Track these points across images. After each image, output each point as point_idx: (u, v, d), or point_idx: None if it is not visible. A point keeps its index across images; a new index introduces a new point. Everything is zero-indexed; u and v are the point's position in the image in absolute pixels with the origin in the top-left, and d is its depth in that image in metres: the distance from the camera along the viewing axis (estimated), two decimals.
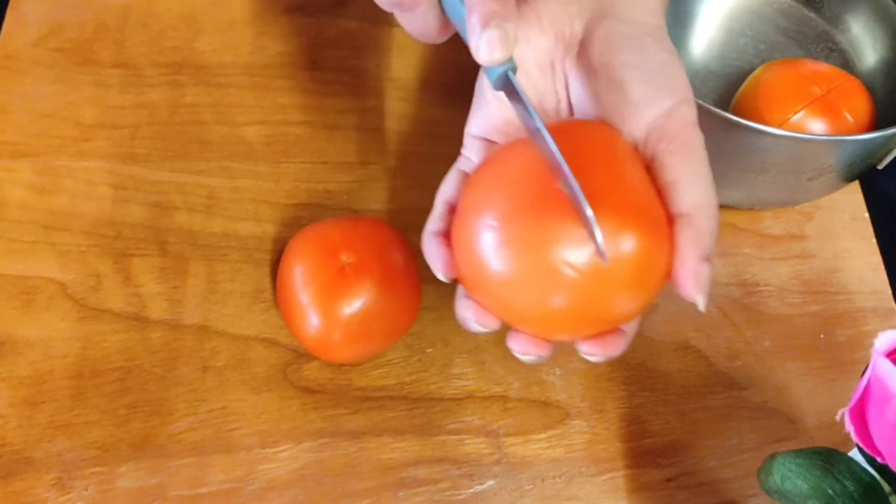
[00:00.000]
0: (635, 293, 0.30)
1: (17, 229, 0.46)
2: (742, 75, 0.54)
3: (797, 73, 0.51)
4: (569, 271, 0.28)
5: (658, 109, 0.32)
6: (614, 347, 0.32)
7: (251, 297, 0.46)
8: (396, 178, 0.51)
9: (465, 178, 0.35)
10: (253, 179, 0.50)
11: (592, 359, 0.31)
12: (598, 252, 0.28)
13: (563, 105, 0.36)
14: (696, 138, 0.32)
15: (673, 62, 0.33)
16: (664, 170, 0.31)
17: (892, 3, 0.53)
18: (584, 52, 0.34)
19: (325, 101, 0.53)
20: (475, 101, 0.36)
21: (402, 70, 0.55)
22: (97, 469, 0.41)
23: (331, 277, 0.41)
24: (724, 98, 0.54)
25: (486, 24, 0.29)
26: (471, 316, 0.32)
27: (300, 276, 0.42)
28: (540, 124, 0.29)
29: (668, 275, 0.30)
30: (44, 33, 0.53)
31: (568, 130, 0.32)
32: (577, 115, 0.35)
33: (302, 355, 0.45)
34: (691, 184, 0.31)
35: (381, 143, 0.52)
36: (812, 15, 0.58)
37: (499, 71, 0.30)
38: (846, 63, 0.56)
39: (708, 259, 0.30)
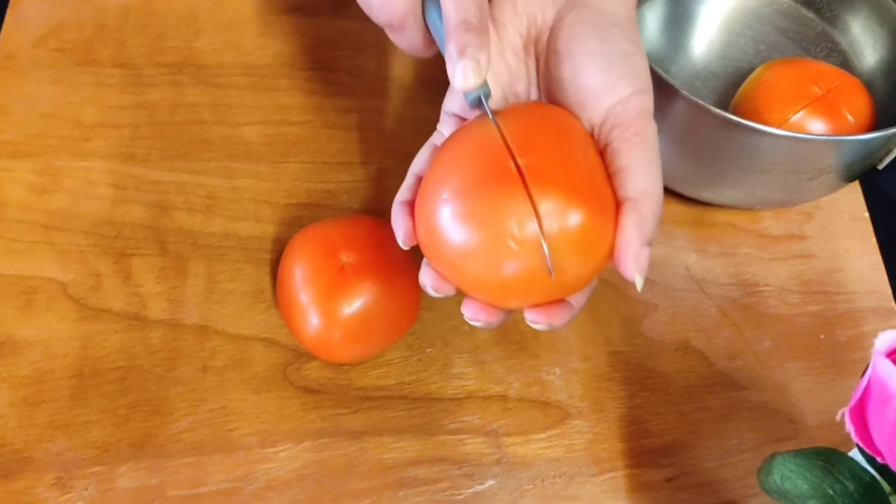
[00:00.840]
0: (579, 264, 0.31)
1: (17, 229, 0.46)
2: (742, 75, 0.54)
3: (797, 73, 0.51)
4: (514, 244, 0.30)
5: (615, 97, 0.33)
6: (559, 318, 0.33)
7: (251, 297, 0.46)
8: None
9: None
10: (253, 179, 0.50)
11: (537, 326, 0.33)
12: (544, 257, 0.30)
13: (533, 88, 0.37)
14: (650, 128, 0.33)
15: (635, 52, 0.34)
16: (616, 156, 0.32)
17: (893, 3, 0.53)
18: (552, 38, 0.35)
19: (325, 101, 0.53)
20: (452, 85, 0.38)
21: (402, 70, 0.55)
22: (97, 469, 0.41)
23: (331, 277, 0.41)
24: (724, 98, 0.54)
25: (462, 54, 0.32)
26: (429, 282, 0.33)
27: (300, 276, 0.42)
28: (505, 142, 0.31)
29: (613, 250, 0.32)
30: (44, 33, 0.53)
31: (527, 112, 0.34)
32: (545, 98, 0.37)
33: (302, 355, 0.45)
34: (640, 171, 0.32)
35: (381, 143, 0.52)
36: (812, 15, 0.58)
37: (472, 95, 0.33)
38: (846, 63, 0.56)
39: (649, 243, 0.32)
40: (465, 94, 0.33)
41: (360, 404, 0.44)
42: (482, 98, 0.33)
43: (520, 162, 0.30)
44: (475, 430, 0.44)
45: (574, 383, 0.46)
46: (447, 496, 0.42)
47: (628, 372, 0.47)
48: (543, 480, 0.43)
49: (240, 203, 0.49)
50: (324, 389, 0.44)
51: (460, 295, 0.47)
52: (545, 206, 0.30)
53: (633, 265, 0.31)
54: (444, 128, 0.37)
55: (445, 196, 0.31)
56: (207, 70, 0.53)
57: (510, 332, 0.47)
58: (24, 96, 0.51)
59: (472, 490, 0.42)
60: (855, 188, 0.55)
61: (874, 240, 0.54)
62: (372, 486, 0.42)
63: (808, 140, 0.45)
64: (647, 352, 0.47)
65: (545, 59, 0.36)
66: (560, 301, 0.33)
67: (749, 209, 0.53)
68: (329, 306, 0.41)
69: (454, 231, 0.31)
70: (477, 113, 0.34)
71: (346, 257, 0.41)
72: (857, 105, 0.49)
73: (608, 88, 0.33)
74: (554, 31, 0.35)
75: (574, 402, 0.45)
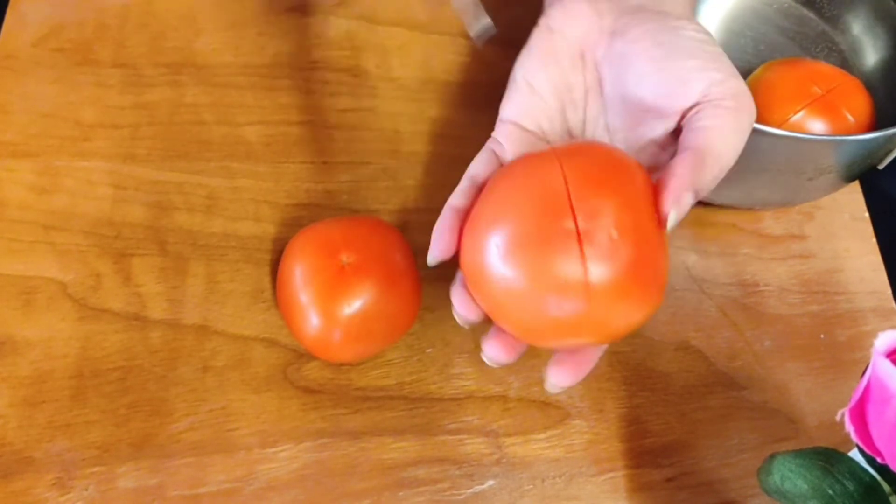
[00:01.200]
0: (619, 327, 0.31)
1: (17, 229, 0.46)
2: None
3: (797, 73, 0.51)
4: (564, 310, 0.30)
5: (708, 81, 0.32)
6: (581, 373, 0.33)
7: (251, 297, 0.46)
8: (396, 178, 0.51)
9: (495, 158, 0.36)
10: (253, 179, 0.50)
11: (554, 389, 0.33)
12: None
13: (593, 95, 0.37)
14: (750, 106, 0.32)
15: (712, 42, 0.34)
16: (701, 116, 0.32)
17: (893, 4, 0.53)
18: (619, 40, 0.35)
19: (325, 101, 0.53)
20: (508, 87, 0.38)
21: (402, 70, 0.55)
22: (97, 469, 0.41)
23: (331, 277, 0.41)
24: None
25: None
26: (462, 311, 0.34)
27: (300, 276, 0.42)
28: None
29: (652, 305, 0.31)
30: (44, 33, 0.53)
31: (589, 154, 0.33)
32: (610, 100, 0.36)
33: (302, 355, 0.45)
34: (721, 132, 0.31)
35: (381, 143, 0.52)
36: (812, 15, 0.58)
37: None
38: (846, 63, 0.56)
39: (696, 193, 0.30)
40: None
41: (360, 404, 0.44)
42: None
43: (580, 224, 0.30)
44: (475, 430, 0.44)
45: None
46: (447, 496, 0.42)
47: (628, 372, 0.47)
48: (543, 481, 0.43)
49: (240, 203, 0.49)
50: (324, 389, 0.44)
51: None
52: (595, 272, 0.29)
53: (672, 199, 0.30)
54: (501, 135, 0.37)
55: (498, 241, 0.31)
56: (207, 70, 0.53)
57: None
58: (24, 96, 0.51)
59: (472, 490, 0.42)
60: (855, 188, 0.55)
61: (874, 240, 0.54)
62: (372, 487, 0.42)
63: (808, 140, 0.45)
64: (647, 352, 0.47)
65: (609, 64, 0.35)
66: (584, 359, 0.33)
67: (749, 209, 0.53)
68: (329, 306, 0.41)
69: (504, 279, 0.31)
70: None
71: (346, 257, 0.41)
72: (857, 105, 0.49)
73: (699, 75, 0.32)
74: (617, 34, 0.35)
75: (574, 402, 0.45)
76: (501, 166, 0.36)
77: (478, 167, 0.36)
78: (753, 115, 0.33)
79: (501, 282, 0.31)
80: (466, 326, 0.34)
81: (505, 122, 0.37)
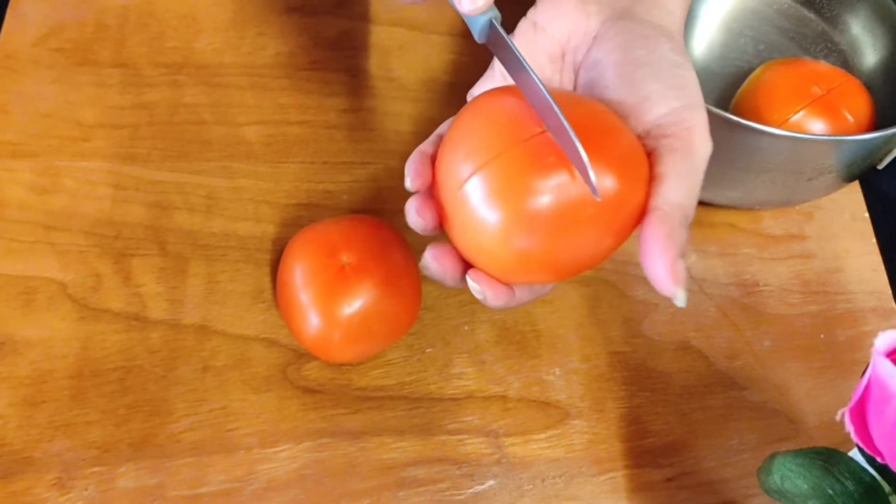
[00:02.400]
0: (605, 238, 0.29)
1: (17, 229, 0.46)
2: (742, 75, 0.54)
3: (797, 73, 0.51)
4: (542, 217, 0.28)
5: (665, 108, 0.31)
6: (497, 296, 0.31)
7: (251, 297, 0.46)
8: (396, 178, 0.51)
9: None
10: (253, 179, 0.50)
11: (473, 287, 0.31)
12: (591, 188, 0.28)
13: None
14: (701, 145, 0.31)
15: (684, 64, 0.33)
16: (658, 161, 0.31)
17: (892, 3, 0.53)
18: (597, 47, 0.34)
19: (325, 101, 0.53)
20: (486, 72, 0.37)
21: (402, 70, 0.55)
22: (97, 469, 0.41)
23: (331, 277, 0.41)
24: (724, 98, 0.54)
25: None
26: (432, 259, 0.31)
27: (300, 276, 0.42)
28: (528, 66, 0.29)
29: (636, 223, 0.30)
30: (44, 33, 0.53)
31: (563, 92, 0.32)
32: None
33: (302, 355, 0.45)
34: (677, 182, 0.30)
35: (381, 143, 0.52)
36: (812, 15, 0.58)
37: (482, 20, 0.31)
38: (846, 63, 0.56)
39: (683, 255, 0.29)
40: (472, 24, 0.31)
41: (360, 404, 0.44)
42: (493, 23, 0.30)
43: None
44: (475, 430, 0.44)
45: (574, 383, 0.46)
46: (447, 496, 0.42)
47: (628, 372, 0.47)
48: (543, 481, 0.43)
49: (240, 203, 0.49)
50: (324, 389, 0.44)
51: (461, 296, 0.47)
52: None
53: (673, 279, 0.29)
54: None
55: (468, 162, 0.29)
56: (207, 70, 0.53)
57: (510, 332, 0.47)
58: (24, 96, 0.51)
59: (472, 490, 0.42)
60: (855, 188, 0.55)
61: (874, 240, 0.54)
62: (372, 487, 0.42)
63: (808, 140, 0.45)
64: (647, 352, 0.47)
65: (586, 68, 0.35)
66: (505, 284, 0.31)
67: (749, 209, 0.53)
68: (329, 306, 0.41)
69: (477, 201, 0.29)
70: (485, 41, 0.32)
71: (346, 257, 0.41)
72: (857, 105, 0.49)
73: (658, 99, 0.32)
74: (598, 40, 0.34)
75: (574, 402, 0.45)
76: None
77: (446, 127, 0.35)
78: (706, 151, 0.31)
79: (471, 199, 0.29)
80: (443, 280, 0.32)
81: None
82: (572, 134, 0.27)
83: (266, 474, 0.42)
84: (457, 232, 0.31)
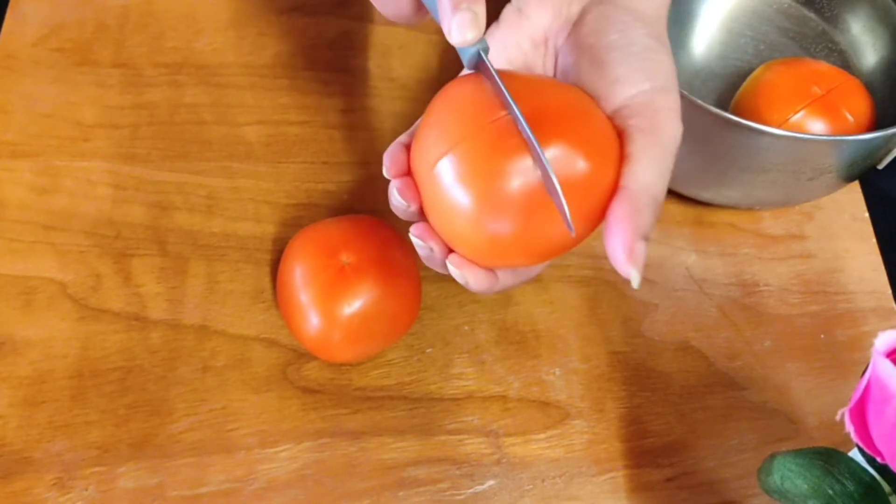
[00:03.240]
0: (576, 220, 0.29)
1: (17, 229, 0.46)
2: (742, 75, 0.54)
3: (797, 73, 0.51)
4: (509, 199, 0.28)
5: (633, 90, 0.32)
6: (478, 281, 0.32)
7: (251, 297, 0.46)
8: None
9: None
10: (253, 179, 0.50)
11: (454, 272, 0.32)
12: (567, 226, 0.28)
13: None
14: (670, 126, 0.32)
15: (658, 48, 0.34)
16: (627, 142, 0.31)
17: (892, 3, 0.53)
18: (575, 32, 0.35)
19: (325, 101, 0.53)
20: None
21: (402, 70, 0.55)
22: (97, 469, 0.41)
23: (331, 277, 0.41)
24: (724, 98, 0.54)
25: (456, 8, 0.30)
26: (417, 238, 0.32)
27: (300, 276, 0.42)
28: (509, 99, 0.30)
29: (608, 205, 0.30)
30: (44, 33, 0.53)
31: (534, 77, 0.33)
32: None
33: (302, 355, 0.45)
34: (646, 163, 0.30)
35: (381, 143, 0.52)
36: (812, 15, 0.58)
37: (471, 51, 0.31)
38: (846, 63, 0.56)
39: (646, 238, 0.29)
40: (462, 53, 0.32)
41: (360, 404, 0.44)
42: (481, 54, 0.31)
43: (520, 110, 0.28)
44: (475, 430, 0.44)
45: (574, 383, 0.46)
46: (447, 496, 0.42)
47: (628, 372, 0.47)
48: (543, 481, 0.43)
49: (240, 203, 0.49)
50: (324, 390, 0.44)
51: (460, 296, 0.47)
52: (550, 153, 0.28)
53: (627, 258, 0.29)
54: None
55: (438, 147, 0.30)
56: (207, 70, 0.53)
57: (510, 332, 0.47)
58: (24, 96, 0.51)
59: (472, 490, 0.42)
60: (855, 188, 0.55)
61: (874, 240, 0.54)
62: (372, 487, 0.42)
63: (808, 140, 0.45)
64: (647, 352, 0.47)
65: (563, 53, 0.35)
66: (486, 268, 0.32)
67: (749, 209, 0.53)
68: (329, 306, 0.41)
69: (448, 185, 0.29)
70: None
71: (346, 257, 0.41)
72: (857, 105, 0.49)
73: (626, 81, 0.32)
74: (577, 25, 0.35)
75: (574, 402, 0.45)
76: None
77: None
78: (676, 132, 0.32)
79: (441, 180, 0.29)
80: (431, 262, 0.33)
81: None
82: (552, 173, 0.28)
83: (266, 474, 0.42)
84: (433, 217, 0.31)
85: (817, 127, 0.48)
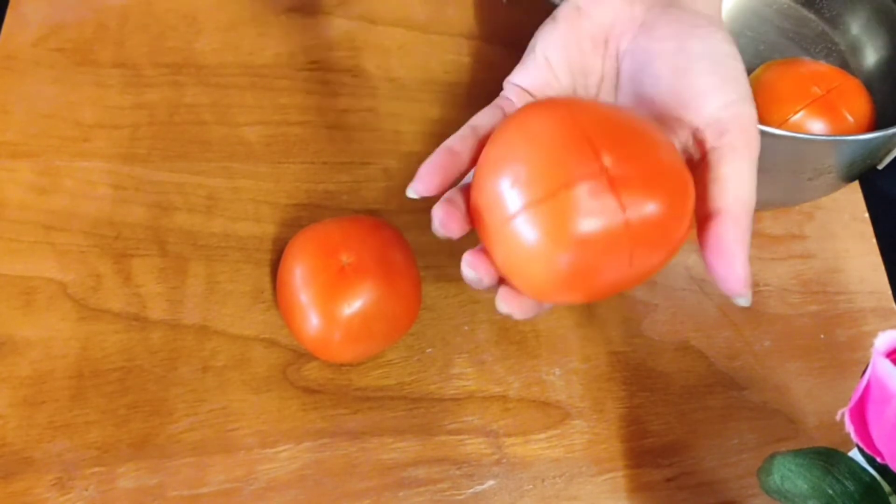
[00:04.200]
0: (651, 259, 0.29)
1: (17, 229, 0.46)
2: None
3: (797, 73, 0.51)
4: (588, 262, 0.28)
5: (721, 101, 0.32)
6: (526, 311, 0.31)
7: (251, 297, 0.46)
8: (396, 178, 0.51)
9: (501, 114, 0.34)
10: (253, 179, 0.50)
11: (505, 311, 0.31)
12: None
13: (608, 83, 0.36)
14: (757, 141, 0.32)
15: (736, 55, 0.33)
16: (721, 162, 0.31)
17: (892, 4, 0.53)
18: (645, 35, 0.34)
19: (325, 101, 0.53)
20: (525, 56, 0.36)
21: (402, 70, 0.55)
22: (97, 469, 0.41)
23: (331, 277, 0.41)
24: None
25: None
26: (467, 266, 0.31)
27: (300, 276, 0.42)
28: None
29: (681, 242, 0.30)
30: (44, 33, 0.53)
31: (597, 104, 0.32)
32: (623, 95, 0.35)
33: (302, 355, 0.45)
34: (743, 181, 0.31)
35: (381, 143, 0.52)
36: (812, 15, 0.58)
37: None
38: (846, 63, 0.56)
39: (749, 255, 0.30)
40: None
41: (360, 405, 0.44)
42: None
43: (609, 167, 0.28)
44: (475, 430, 0.44)
45: (574, 383, 0.46)
46: (447, 496, 0.42)
47: (628, 372, 0.47)
48: (543, 481, 0.43)
49: (240, 203, 0.49)
50: (324, 390, 0.44)
51: (461, 296, 0.47)
52: (628, 190, 0.27)
53: (742, 282, 0.29)
54: (511, 94, 0.35)
55: (513, 184, 0.28)
56: (207, 70, 0.53)
57: (510, 332, 0.47)
58: (24, 96, 0.51)
59: (472, 490, 0.42)
60: (855, 188, 0.55)
61: (874, 240, 0.54)
62: (372, 487, 0.42)
63: (808, 140, 0.45)
64: (647, 352, 0.47)
65: (631, 57, 0.34)
66: (534, 301, 0.31)
67: None
68: (329, 306, 0.41)
69: (528, 240, 0.28)
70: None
71: (346, 257, 0.41)
72: (857, 105, 0.49)
73: (716, 92, 0.32)
74: (645, 28, 0.34)
75: (574, 402, 0.45)
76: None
77: (482, 119, 0.34)
78: (758, 151, 0.32)
79: (521, 233, 0.28)
80: (478, 287, 0.31)
81: (515, 86, 0.36)
82: None
83: (266, 474, 0.42)
84: (499, 257, 0.30)
85: (817, 127, 0.48)
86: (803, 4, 0.58)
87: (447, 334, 0.46)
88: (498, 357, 0.46)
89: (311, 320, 0.41)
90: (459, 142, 0.32)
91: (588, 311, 0.48)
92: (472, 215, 0.31)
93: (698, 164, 0.32)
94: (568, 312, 0.48)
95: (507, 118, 0.32)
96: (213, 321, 0.45)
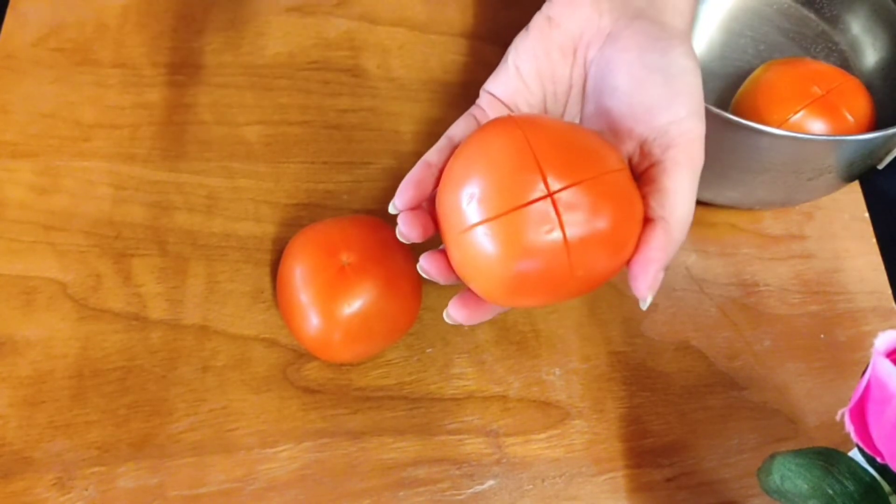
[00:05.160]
0: (598, 268, 0.32)
1: (17, 229, 0.46)
2: (742, 75, 0.54)
3: (797, 73, 0.51)
4: (535, 273, 0.31)
5: (670, 116, 0.33)
6: (478, 317, 0.34)
7: (251, 297, 0.46)
8: (396, 178, 0.51)
9: (475, 123, 0.37)
10: (253, 179, 0.50)
11: (453, 320, 0.34)
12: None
13: (576, 92, 0.37)
14: (700, 157, 0.33)
15: (694, 70, 0.34)
16: (663, 175, 0.32)
17: (892, 3, 0.53)
18: (610, 45, 0.35)
19: (325, 101, 0.53)
20: (499, 65, 0.38)
21: (402, 70, 0.55)
22: (97, 469, 0.41)
23: (331, 277, 0.41)
24: (724, 98, 0.54)
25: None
26: (427, 265, 0.34)
27: (300, 276, 0.42)
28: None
29: (627, 254, 0.32)
30: (44, 33, 0.53)
31: (553, 121, 0.34)
32: (588, 103, 0.36)
33: (302, 355, 0.45)
34: (682, 196, 0.32)
35: (381, 143, 0.52)
36: (812, 15, 0.58)
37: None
38: (846, 63, 0.56)
39: (666, 268, 0.32)
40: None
41: (360, 404, 0.44)
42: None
43: (551, 184, 0.30)
44: (475, 430, 0.44)
45: (574, 383, 0.46)
46: (447, 496, 0.42)
47: (628, 372, 0.47)
48: (543, 481, 0.43)
49: (240, 203, 0.49)
50: (324, 390, 0.44)
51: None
52: (570, 211, 0.30)
53: (649, 285, 0.31)
54: (483, 103, 0.37)
55: (471, 191, 0.31)
56: (207, 70, 0.53)
57: (510, 332, 0.47)
58: (24, 96, 0.51)
59: (472, 490, 0.42)
60: (855, 188, 0.55)
61: (874, 240, 0.54)
62: (372, 487, 0.42)
63: (808, 140, 0.45)
64: (647, 352, 0.47)
65: (596, 66, 0.35)
66: (482, 302, 0.34)
67: (749, 209, 0.53)
68: (329, 306, 0.41)
69: (481, 251, 0.31)
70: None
71: (346, 257, 0.41)
72: (857, 105, 0.49)
73: (666, 106, 0.33)
74: (611, 38, 0.35)
75: (574, 402, 0.45)
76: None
77: (458, 129, 0.36)
78: (701, 165, 0.34)
79: (474, 244, 0.31)
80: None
81: (489, 94, 0.37)
82: None
83: (266, 474, 0.42)
84: (455, 261, 0.33)
85: (817, 127, 0.48)
86: (803, 4, 0.58)
87: (447, 334, 0.46)
88: (498, 357, 0.46)
89: (311, 320, 0.41)
90: (437, 154, 0.35)
91: (588, 311, 0.48)
92: (435, 220, 0.34)
93: (643, 175, 0.33)
94: (568, 312, 0.48)
95: (469, 136, 0.34)
96: (213, 321, 0.45)
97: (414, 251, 0.44)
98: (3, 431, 0.41)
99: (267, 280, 0.47)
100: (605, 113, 0.35)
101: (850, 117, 0.48)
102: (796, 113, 0.49)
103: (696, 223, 0.52)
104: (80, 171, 0.49)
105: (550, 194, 0.30)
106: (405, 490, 0.42)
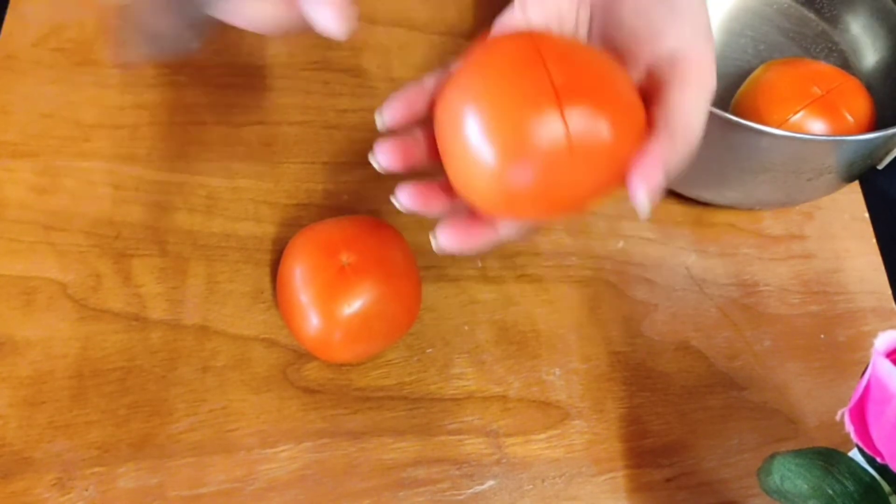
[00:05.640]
0: (595, 176, 0.31)
1: (17, 229, 0.46)
2: (742, 75, 0.54)
3: (797, 73, 0.51)
4: (536, 153, 0.29)
5: (676, 39, 0.32)
6: (475, 241, 0.32)
7: (251, 297, 0.46)
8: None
9: None
10: (253, 179, 0.50)
11: (443, 249, 0.32)
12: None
13: (582, 31, 0.37)
14: (710, 78, 0.32)
15: (700, 3, 0.34)
16: (670, 89, 0.32)
17: (892, 4, 0.53)
18: None
19: (325, 101, 0.53)
20: (506, 9, 0.37)
21: (402, 70, 0.55)
22: (97, 469, 0.41)
23: (331, 277, 0.41)
24: (724, 98, 0.54)
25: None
26: (408, 197, 0.33)
27: (300, 276, 0.42)
28: None
29: (621, 180, 0.31)
30: (44, 33, 0.53)
31: (565, 39, 0.34)
32: (595, 40, 0.36)
33: (302, 355, 0.45)
34: (688, 108, 0.31)
35: None
36: (812, 15, 0.58)
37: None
38: (846, 63, 0.56)
39: (668, 175, 0.30)
40: None
41: (360, 405, 0.44)
42: None
43: (552, 70, 0.29)
44: (475, 430, 0.44)
45: (574, 383, 0.46)
46: (447, 496, 0.42)
47: (628, 372, 0.47)
48: (543, 481, 0.43)
49: (240, 203, 0.49)
50: (324, 390, 0.44)
51: (461, 296, 0.47)
52: (571, 117, 0.29)
53: (645, 186, 0.30)
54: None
55: (474, 108, 0.30)
56: (207, 70, 0.53)
57: (510, 332, 0.47)
58: (24, 96, 0.51)
59: (472, 490, 0.42)
60: (855, 188, 0.55)
61: (874, 240, 0.54)
62: (372, 487, 0.42)
63: (808, 140, 0.45)
64: (647, 352, 0.47)
65: (602, 5, 0.35)
66: (482, 223, 0.32)
67: (749, 209, 0.53)
68: (329, 306, 0.41)
69: (473, 134, 0.30)
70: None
71: (346, 257, 0.41)
72: (857, 105, 0.49)
73: (672, 29, 0.33)
74: None
75: (574, 402, 0.45)
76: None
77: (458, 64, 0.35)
78: (713, 85, 0.33)
79: (477, 144, 0.30)
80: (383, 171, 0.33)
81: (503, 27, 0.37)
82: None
83: (266, 474, 0.42)
84: (455, 168, 0.32)
85: (817, 127, 0.48)
86: (803, 4, 0.58)
87: (447, 334, 0.46)
88: (498, 357, 0.46)
89: (311, 320, 0.41)
90: (432, 79, 0.34)
91: (588, 311, 0.48)
92: (436, 135, 0.33)
93: (651, 97, 0.33)
94: (568, 312, 0.48)
95: (476, 45, 0.33)
96: (213, 321, 0.45)
97: (415, 252, 0.44)
98: (3, 431, 0.41)
99: (267, 280, 0.47)
100: (610, 44, 0.35)
101: (850, 117, 0.48)
102: (796, 113, 0.49)
103: (697, 223, 0.52)
104: (80, 171, 0.49)
105: (558, 96, 0.29)
106: (405, 490, 0.42)
